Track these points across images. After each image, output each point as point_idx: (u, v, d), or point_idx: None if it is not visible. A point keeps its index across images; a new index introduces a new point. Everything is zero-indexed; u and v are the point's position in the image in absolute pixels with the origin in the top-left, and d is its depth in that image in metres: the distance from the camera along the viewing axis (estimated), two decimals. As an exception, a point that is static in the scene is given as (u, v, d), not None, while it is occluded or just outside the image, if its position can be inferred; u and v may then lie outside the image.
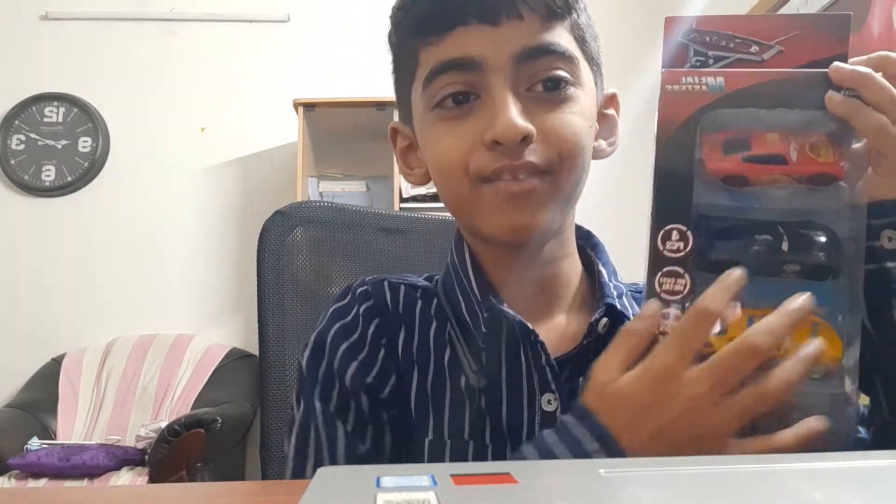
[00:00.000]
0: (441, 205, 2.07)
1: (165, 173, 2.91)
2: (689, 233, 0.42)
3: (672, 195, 0.42)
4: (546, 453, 0.43)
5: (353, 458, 0.55)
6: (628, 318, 0.57)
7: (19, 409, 2.46)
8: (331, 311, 0.60)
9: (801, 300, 0.39)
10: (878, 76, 0.41)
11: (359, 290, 0.61)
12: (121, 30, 2.97)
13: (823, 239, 0.41)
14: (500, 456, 0.54)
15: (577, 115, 0.53)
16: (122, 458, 2.16)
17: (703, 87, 0.42)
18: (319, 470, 0.29)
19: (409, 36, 0.57)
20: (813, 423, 0.39)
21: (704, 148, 0.42)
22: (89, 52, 2.94)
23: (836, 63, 0.41)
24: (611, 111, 0.62)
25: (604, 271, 0.60)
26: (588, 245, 0.64)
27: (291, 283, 0.80)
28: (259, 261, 0.79)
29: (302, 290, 0.81)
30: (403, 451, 0.57)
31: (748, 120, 0.42)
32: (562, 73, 0.53)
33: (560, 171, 0.53)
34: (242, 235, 2.88)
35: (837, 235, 0.41)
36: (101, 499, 0.48)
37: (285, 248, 0.81)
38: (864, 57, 0.42)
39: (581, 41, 0.56)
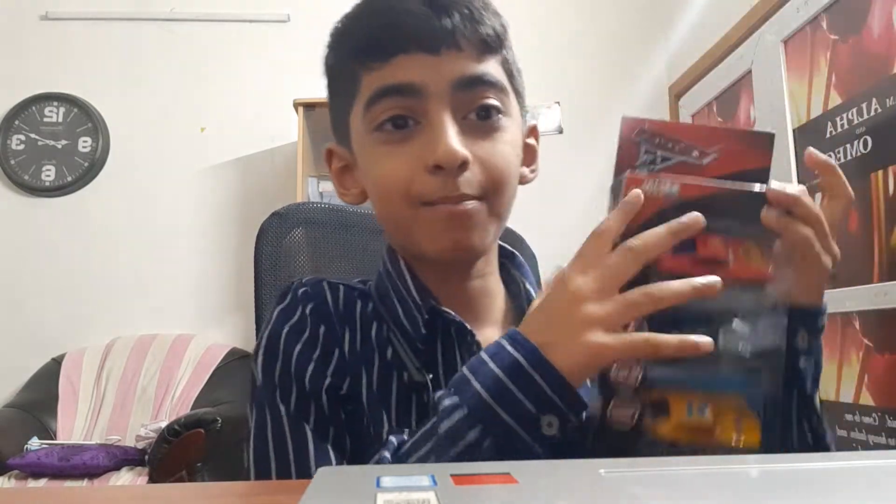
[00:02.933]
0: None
1: (165, 173, 2.91)
2: (644, 321, 0.47)
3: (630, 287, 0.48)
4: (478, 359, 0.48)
5: (321, 458, 0.55)
6: None
7: (19, 409, 2.46)
8: (276, 311, 0.61)
9: (687, 220, 0.45)
10: (807, 197, 0.48)
11: (300, 291, 0.62)
12: (121, 30, 2.97)
13: (750, 334, 0.48)
14: None
15: (507, 144, 0.58)
16: (122, 458, 2.16)
17: (661, 194, 0.48)
18: (319, 470, 0.29)
19: (349, 60, 0.59)
20: (702, 339, 0.44)
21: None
22: (89, 52, 2.94)
23: (772, 187, 0.48)
24: (532, 141, 0.66)
25: (532, 290, 0.65)
26: (512, 265, 0.68)
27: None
28: (256, 262, 0.79)
29: (301, 290, 0.81)
30: (361, 447, 0.58)
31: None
32: (493, 101, 0.57)
33: (493, 195, 0.57)
34: (242, 235, 2.88)
35: (762, 332, 0.48)
36: (101, 499, 0.48)
37: (283, 248, 0.81)
38: (792, 187, 0.49)
39: (510, 75, 0.60)
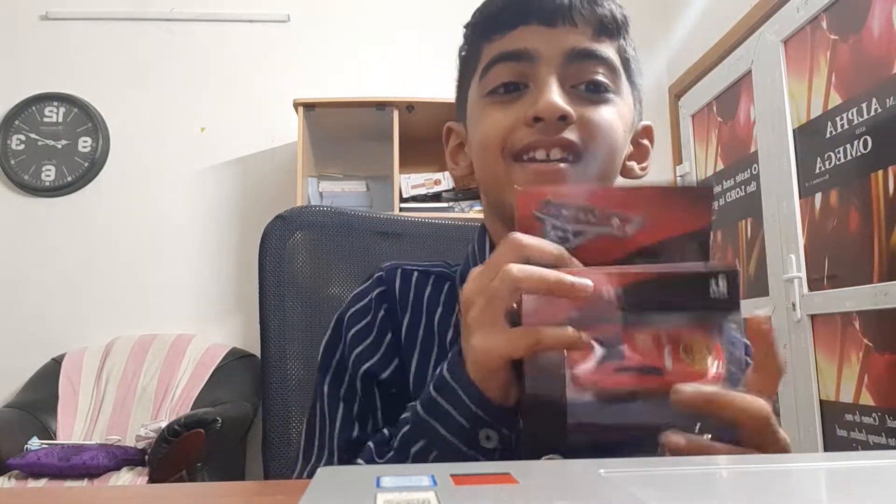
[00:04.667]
0: (439, 204, 2.10)
1: (165, 173, 2.91)
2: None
3: (546, 423, 0.40)
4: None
5: (346, 442, 0.58)
6: None
7: (19, 409, 2.46)
8: (353, 294, 0.65)
9: (577, 281, 0.39)
10: (725, 393, 0.38)
11: (376, 275, 0.65)
12: (121, 30, 2.97)
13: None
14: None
15: (615, 114, 0.57)
16: (122, 458, 2.16)
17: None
18: (319, 470, 0.29)
19: (474, 38, 0.62)
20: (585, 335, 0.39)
21: (572, 357, 0.39)
22: (89, 52, 2.94)
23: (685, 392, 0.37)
24: (645, 141, 0.66)
25: None
26: None
27: (292, 286, 0.81)
28: (261, 264, 0.81)
29: (302, 292, 0.82)
30: None
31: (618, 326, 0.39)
32: (603, 78, 0.57)
33: (590, 157, 0.56)
34: (242, 235, 2.88)
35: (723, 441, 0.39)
36: (101, 499, 0.48)
37: (286, 251, 0.82)
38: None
39: (625, 63, 0.60)
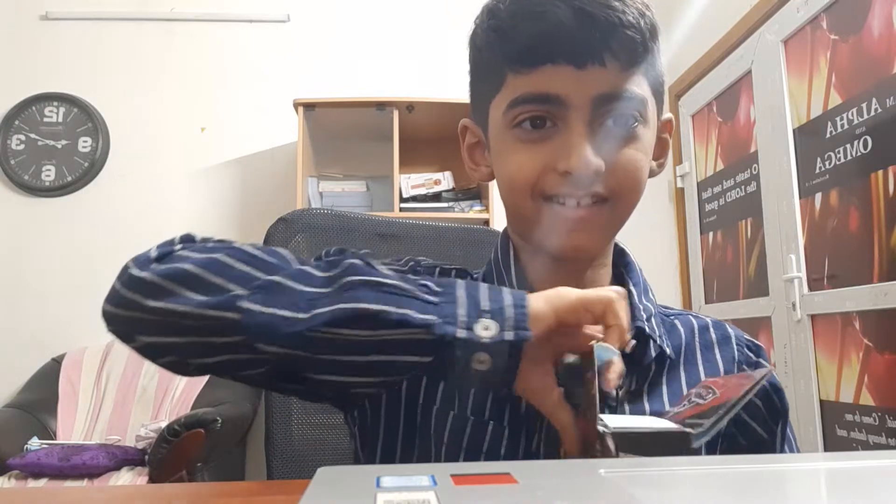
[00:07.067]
0: (439, 204, 2.10)
1: (165, 173, 2.91)
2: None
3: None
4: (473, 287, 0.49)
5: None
6: (654, 340, 0.61)
7: (19, 409, 2.46)
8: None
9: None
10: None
11: (412, 262, 0.65)
12: (121, 30, 2.97)
13: None
14: (514, 440, 0.57)
15: (641, 151, 0.59)
16: (122, 458, 2.15)
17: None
18: (319, 470, 0.29)
19: (498, 56, 0.59)
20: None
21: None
22: (89, 52, 2.94)
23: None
24: (665, 135, 0.66)
25: (634, 291, 0.64)
26: (621, 262, 0.68)
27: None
28: None
29: (302, 291, 0.83)
30: (422, 422, 0.58)
31: None
32: (632, 115, 0.58)
33: (619, 200, 0.59)
34: (242, 236, 2.87)
35: None
36: (101, 499, 0.48)
37: None
38: None
39: (652, 80, 0.60)
